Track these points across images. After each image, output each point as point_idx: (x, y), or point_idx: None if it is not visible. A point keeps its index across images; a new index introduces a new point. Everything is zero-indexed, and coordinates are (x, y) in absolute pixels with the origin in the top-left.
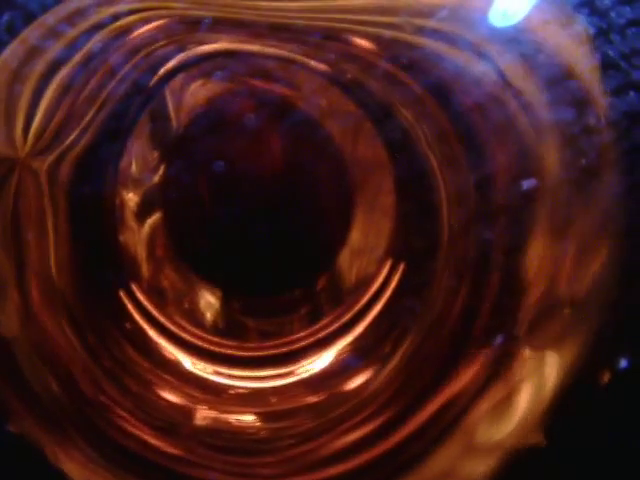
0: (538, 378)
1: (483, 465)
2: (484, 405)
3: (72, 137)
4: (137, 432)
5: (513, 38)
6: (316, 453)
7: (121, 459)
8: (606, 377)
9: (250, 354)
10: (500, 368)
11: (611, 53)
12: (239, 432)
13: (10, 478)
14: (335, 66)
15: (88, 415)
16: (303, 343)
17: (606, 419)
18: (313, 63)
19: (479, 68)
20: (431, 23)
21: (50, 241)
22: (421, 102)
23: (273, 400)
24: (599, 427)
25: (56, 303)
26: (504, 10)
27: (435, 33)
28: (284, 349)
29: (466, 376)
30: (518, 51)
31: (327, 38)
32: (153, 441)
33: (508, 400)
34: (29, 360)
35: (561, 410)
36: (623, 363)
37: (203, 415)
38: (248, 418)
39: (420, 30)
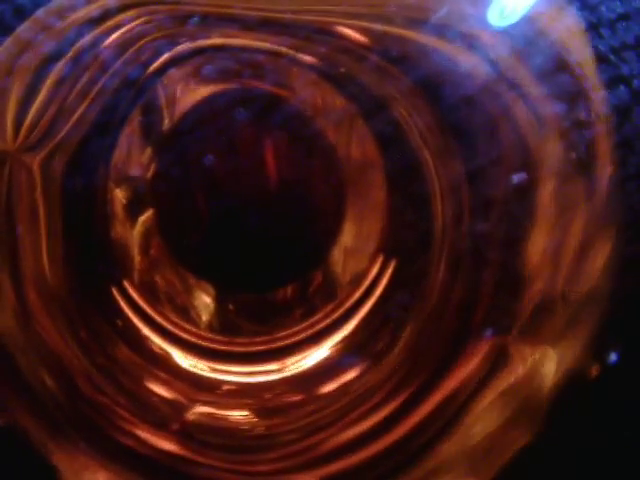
0: (536, 373)
1: (486, 458)
2: (484, 399)
3: (64, 131)
4: (132, 428)
5: (505, 31)
6: (318, 448)
7: (115, 454)
8: (595, 371)
9: (242, 349)
10: (498, 363)
11: (601, 47)
12: (235, 428)
13: (2, 471)
14: (326, 60)
15: (82, 410)
16: (295, 339)
17: (598, 414)
18: (303, 57)
19: (471, 60)
20: (424, 16)
21: (42, 236)
22: (413, 95)
23: (267, 396)
24: (592, 422)
25: (50, 298)
26: (501, 9)
27: (427, 25)
28: (276, 345)
29: (466, 369)
30: (510, 44)
31: (317, 31)
32: (147, 437)
33: (507, 395)
34: (24, 355)
35: (557, 406)
36: (613, 357)
37: (197, 411)
38: (243, 414)
39: (411, 22)
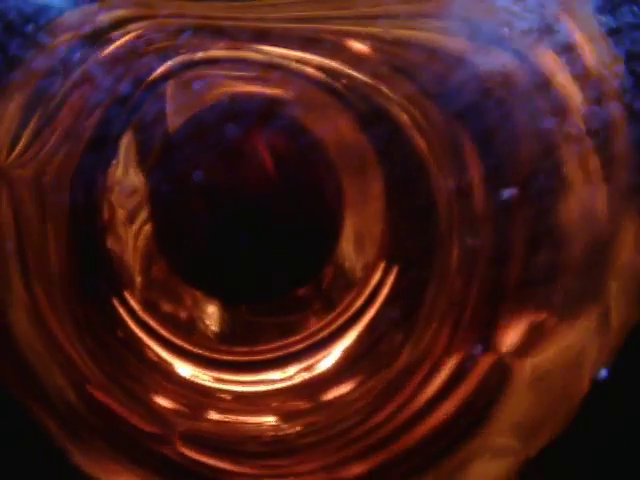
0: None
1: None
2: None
3: (59, 148)
4: (148, 432)
5: (494, 46)
6: (340, 451)
7: (137, 457)
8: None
9: (246, 359)
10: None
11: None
12: (248, 435)
13: (25, 472)
14: (322, 69)
15: (97, 413)
16: (300, 347)
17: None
18: (299, 67)
19: (465, 73)
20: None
21: (49, 249)
22: (412, 104)
23: (276, 404)
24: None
25: (61, 310)
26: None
27: (420, 38)
28: (281, 353)
29: (479, 374)
30: (499, 59)
31: (312, 41)
32: (165, 443)
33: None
34: (39, 358)
35: None
36: (603, 373)
37: (206, 419)
38: (255, 420)
39: (404, 33)
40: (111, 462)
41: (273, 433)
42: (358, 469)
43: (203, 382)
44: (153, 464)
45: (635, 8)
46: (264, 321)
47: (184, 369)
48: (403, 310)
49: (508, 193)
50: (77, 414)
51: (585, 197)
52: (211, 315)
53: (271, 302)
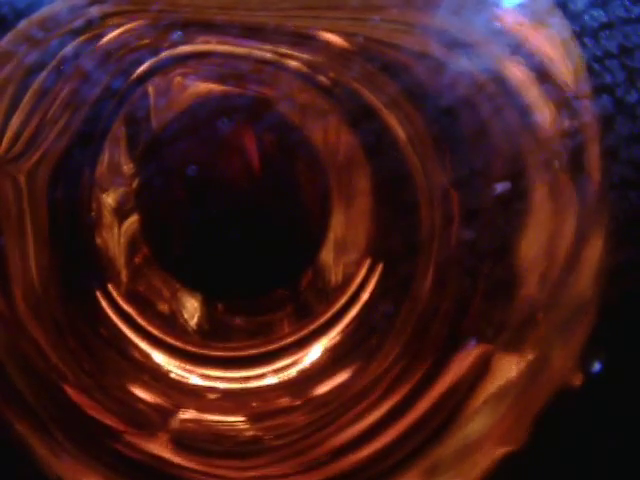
0: (528, 376)
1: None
2: (475, 402)
3: (47, 142)
4: (120, 432)
5: (486, 42)
6: (309, 452)
7: (104, 458)
8: (579, 380)
9: (229, 354)
10: (485, 368)
11: (585, 56)
12: (224, 434)
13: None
14: (311, 66)
15: (70, 414)
16: (283, 343)
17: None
18: (288, 63)
19: (452, 72)
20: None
21: (30, 245)
22: (399, 103)
23: (255, 401)
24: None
25: (39, 307)
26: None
27: (411, 35)
28: (265, 349)
29: (456, 373)
30: (491, 54)
31: (302, 38)
32: (136, 441)
33: (497, 397)
34: (11, 359)
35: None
36: (596, 366)
37: (184, 417)
38: (231, 419)
39: (395, 31)
40: (79, 463)
41: (251, 433)
42: (328, 471)
43: (184, 379)
44: (122, 465)
45: (626, 2)
46: (244, 319)
47: (167, 364)
48: (384, 312)
49: (501, 187)
50: (49, 416)
51: (550, 224)
52: (191, 310)
53: (253, 299)
